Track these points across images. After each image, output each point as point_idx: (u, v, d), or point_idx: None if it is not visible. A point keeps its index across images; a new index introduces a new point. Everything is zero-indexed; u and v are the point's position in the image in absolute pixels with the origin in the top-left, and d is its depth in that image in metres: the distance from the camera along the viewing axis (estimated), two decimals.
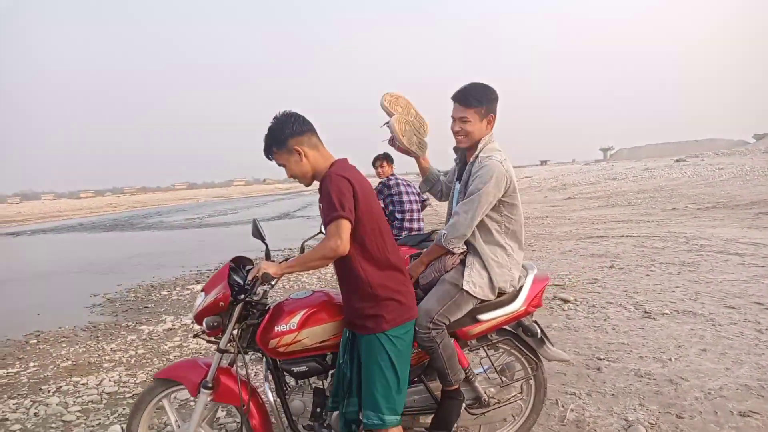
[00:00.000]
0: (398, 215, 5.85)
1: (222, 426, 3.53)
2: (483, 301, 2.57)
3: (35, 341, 6.58)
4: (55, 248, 19.87)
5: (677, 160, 40.58)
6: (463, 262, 2.58)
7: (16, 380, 5.14)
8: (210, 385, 2.51)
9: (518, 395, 2.80)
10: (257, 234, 2.65)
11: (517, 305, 2.62)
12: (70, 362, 5.52)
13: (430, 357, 2.50)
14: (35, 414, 4.13)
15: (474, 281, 2.52)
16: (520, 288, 2.64)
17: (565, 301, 5.94)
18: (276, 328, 2.44)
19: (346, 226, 2.11)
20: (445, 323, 2.48)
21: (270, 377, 2.58)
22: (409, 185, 5.96)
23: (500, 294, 2.60)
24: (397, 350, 2.26)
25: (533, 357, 2.75)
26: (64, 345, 6.32)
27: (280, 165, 2.36)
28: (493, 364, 2.76)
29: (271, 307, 2.56)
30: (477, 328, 2.61)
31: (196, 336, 2.70)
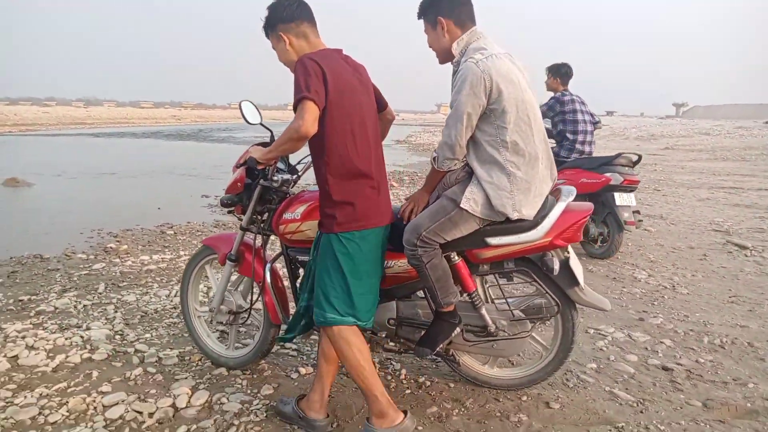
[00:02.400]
0: (569, 135, 5.39)
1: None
2: (491, 222, 2.29)
3: (171, 232, 6.59)
4: (147, 151, 20.21)
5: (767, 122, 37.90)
6: (469, 177, 2.30)
7: (176, 266, 5.15)
8: (234, 257, 2.77)
9: (527, 332, 2.51)
10: (251, 117, 2.68)
11: (536, 234, 2.28)
12: None
13: (418, 275, 2.33)
14: None
15: (475, 199, 2.23)
16: (544, 215, 2.28)
17: (743, 247, 5.48)
18: (284, 215, 2.56)
19: (309, 106, 1.97)
20: (437, 241, 2.26)
21: (284, 261, 2.74)
22: (583, 103, 5.46)
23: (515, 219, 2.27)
24: (348, 253, 2.16)
25: (554, 297, 2.44)
26: (202, 237, 6.32)
27: (273, 49, 2.33)
28: (503, 294, 2.52)
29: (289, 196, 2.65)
30: (488, 252, 2.35)
31: (230, 212, 2.88)
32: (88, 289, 4.41)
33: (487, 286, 2.64)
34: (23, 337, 3.42)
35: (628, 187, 4.94)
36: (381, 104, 2.45)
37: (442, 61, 2.39)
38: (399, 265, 2.43)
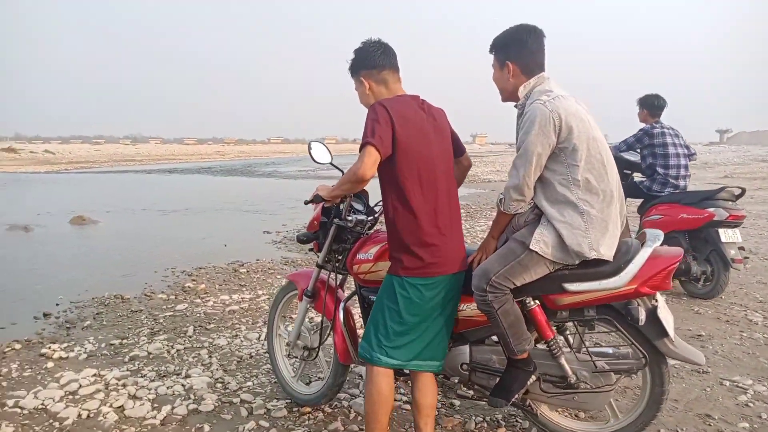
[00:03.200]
0: (660, 169, 5.12)
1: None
2: (564, 266, 2.18)
3: (244, 270, 6.55)
4: (200, 187, 20.64)
5: None
6: (538, 219, 2.22)
7: (258, 306, 5.06)
8: (310, 294, 2.83)
9: (612, 387, 2.32)
10: (320, 158, 2.80)
11: (619, 281, 2.12)
12: None
13: (489, 321, 2.24)
14: None
15: (546, 240, 2.14)
16: (628, 261, 2.12)
17: None
18: (358, 255, 2.58)
19: (370, 151, 2.04)
20: (507, 286, 2.17)
21: (357, 301, 2.75)
22: (677, 135, 5.20)
23: (595, 262, 2.14)
24: (408, 298, 2.17)
25: (641, 348, 2.24)
26: (277, 276, 6.24)
27: (355, 90, 2.41)
28: (583, 343, 2.40)
29: (363, 236, 2.67)
30: (566, 299, 2.23)
31: (311, 249, 2.98)
32: (177, 332, 4.34)
33: (570, 333, 2.49)
34: (124, 385, 3.34)
35: (733, 222, 4.64)
36: (458, 150, 2.45)
37: (505, 100, 2.38)
38: (471, 308, 2.36)
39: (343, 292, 2.88)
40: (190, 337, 4.24)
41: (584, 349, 2.40)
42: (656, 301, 2.24)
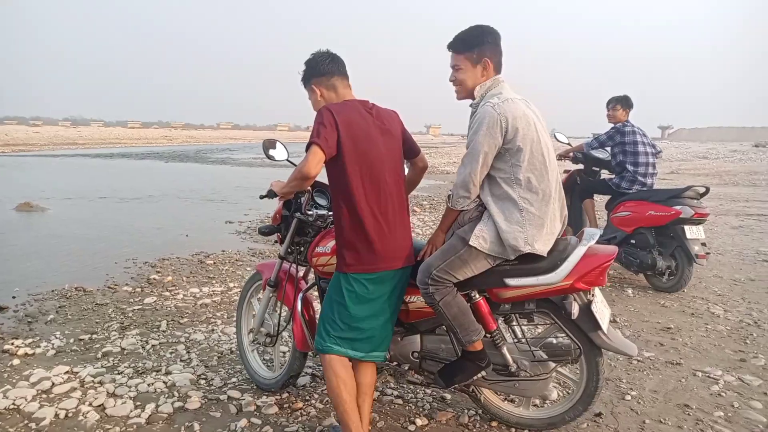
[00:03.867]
0: (630, 167, 5.30)
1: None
2: (505, 261, 2.32)
3: (211, 262, 6.37)
4: (151, 174, 19.86)
5: (756, 145, 38.58)
6: (480, 216, 2.34)
7: (230, 299, 4.94)
8: (272, 284, 2.94)
9: (548, 374, 2.49)
10: (277, 155, 2.92)
11: (556, 277, 2.28)
12: None
13: (435, 313, 2.38)
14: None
15: (485, 236, 2.27)
16: (564, 258, 2.28)
17: None
18: (317, 248, 2.66)
19: (314, 151, 2.17)
20: (448, 279, 2.30)
21: (317, 292, 2.84)
22: (644, 134, 5.39)
23: (534, 258, 2.29)
24: (354, 292, 2.29)
25: (575, 340, 2.42)
26: (246, 268, 6.11)
27: (308, 99, 2.51)
28: (524, 335, 2.54)
29: (324, 230, 2.76)
30: (508, 293, 2.37)
31: (275, 242, 3.03)
32: (149, 327, 4.19)
33: (516, 325, 2.60)
34: (101, 383, 3.21)
35: (698, 220, 4.85)
36: (412, 151, 2.55)
37: (463, 98, 2.43)
38: (420, 300, 2.45)
39: (306, 283, 2.97)
40: (164, 332, 4.10)
41: (524, 340, 2.53)
42: (592, 296, 2.38)
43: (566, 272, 2.27)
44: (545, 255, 2.28)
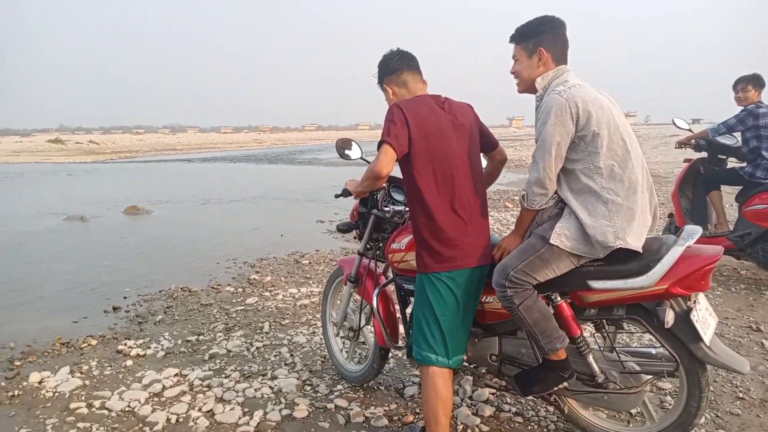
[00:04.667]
0: (766, 153, 4.69)
1: None
2: (590, 261, 2.11)
3: (306, 262, 6.38)
4: (245, 176, 20.68)
5: None
6: (561, 213, 2.14)
7: None
8: (353, 279, 2.96)
9: (641, 388, 2.22)
10: (352, 154, 2.92)
11: (647, 280, 2.00)
12: None
13: (514, 318, 2.17)
14: None
15: (567, 234, 2.07)
16: (657, 259, 2.00)
17: None
18: (392, 245, 2.61)
19: (385, 150, 2.13)
20: (527, 281, 2.10)
21: (394, 288, 2.81)
22: None
23: (622, 259, 2.05)
24: (438, 294, 2.20)
25: (672, 352, 2.12)
26: None
27: (385, 100, 2.46)
28: (612, 342, 2.27)
29: (400, 226, 2.70)
30: (593, 296, 2.14)
31: (355, 237, 3.08)
32: (252, 328, 4.18)
33: (603, 331, 2.34)
34: (209, 387, 3.19)
35: None
36: (490, 145, 2.48)
37: (523, 90, 2.31)
38: (497, 300, 2.26)
39: (386, 278, 2.91)
40: (266, 333, 4.07)
41: (613, 349, 2.28)
42: (693, 303, 2.09)
43: (660, 275, 2.00)
44: (640, 251, 2.05)
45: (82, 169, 24.01)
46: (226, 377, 3.31)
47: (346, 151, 2.93)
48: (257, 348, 3.78)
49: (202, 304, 4.84)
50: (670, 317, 2.03)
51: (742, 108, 4.86)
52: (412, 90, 2.39)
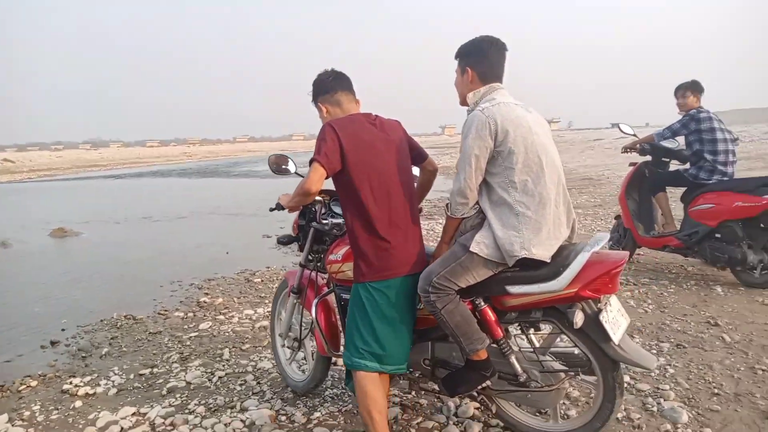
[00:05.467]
0: (708, 156, 4.89)
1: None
2: (507, 268, 2.25)
3: (258, 280, 6.10)
4: (177, 191, 19.87)
5: None
6: (482, 223, 2.30)
7: None
8: (296, 291, 3.01)
9: (560, 386, 2.37)
10: (280, 170, 2.97)
11: (558, 284, 2.17)
12: None
13: (437, 321, 2.31)
14: None
15: (485, 242, 2.23)
16: (567, 265, 2.17)
17: None
18: (330, 256, 2.70)
19: (315, 168, 2.23)
20: (449, 287, 2.24)
21: (334, 298, 2.84)
22: (720, 120, 4.98)
23: (535, 265, 2.21)
24: (374, 301, 2.30)
25: (586, 351, 2.28)
26: None
27: (319, 117, 2.56)
28: (531, 343, 2.46)
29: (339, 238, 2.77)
30: (512, 300, 2.30)
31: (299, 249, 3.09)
32: (211, 356, 3.91)
33: (523, 334, 2.52)
34: (173, 426, 2.92)
35: None
36: (419, 157, 2.60)
37: (462, 104, 2.47)
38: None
39: (328, 289, 2.93)
40: (227, 361, 3.81)
41: (535, 349, 2.43)
42: (604, 305, 2.24)
43: (568, 280, 2.16)
44: (547, 260, 2.20)
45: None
46: (190, 413, 3.05)
47: (283, 166, 2.98)
48: (219, 378, 3.52)
49: (150, 333, 4.50)
50: (579, 318, 2.17)
51: (685, 113, 5.07)
52: (346, 109, 2.49)
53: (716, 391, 3.00)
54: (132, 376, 3.62)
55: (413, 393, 3.07)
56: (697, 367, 3.31)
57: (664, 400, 2.90)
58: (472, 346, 2.28)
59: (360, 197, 2.27)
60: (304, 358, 3.36)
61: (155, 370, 3.71)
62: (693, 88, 5.05)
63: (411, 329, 2.44)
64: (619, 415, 2.75)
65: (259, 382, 3.43)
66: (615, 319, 2.27)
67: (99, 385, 3.50)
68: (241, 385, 3.41)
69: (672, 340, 3.72)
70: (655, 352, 3.54)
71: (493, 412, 2.57)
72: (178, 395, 3.30)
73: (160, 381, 3.53)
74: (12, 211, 14.77)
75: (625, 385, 3.04)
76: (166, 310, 5.12)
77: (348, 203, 2.33)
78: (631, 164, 5.68)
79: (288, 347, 3.24)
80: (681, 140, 5.38)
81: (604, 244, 2.26)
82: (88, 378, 3.61)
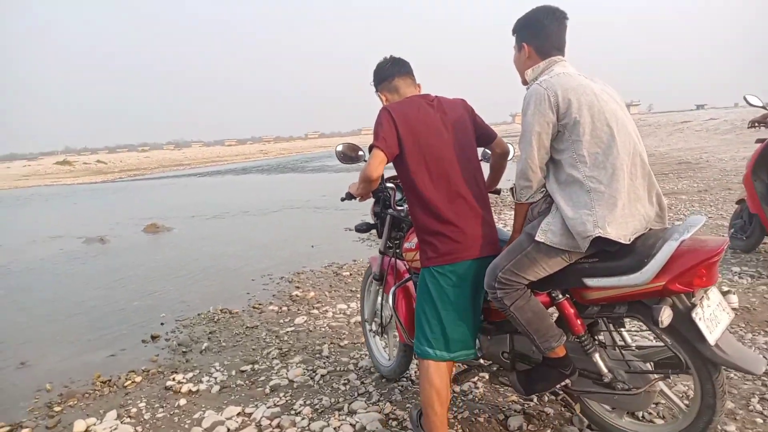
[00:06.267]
0: None
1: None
2: (584, 258, 2.02)
3: (347, 273, 5.97)
4: (258, 187, 20.42)
5: None
6: (549, 208, 2.08)
7: None
8: (378, 278, 3.00)
9: (649, 388, 2.12)
10: (348, 159, 2.88)
11: (641, 277, 1.90)
12: None
13: (508, 318, 2.13)
14: None
15: (553, 229, 2.00)
16: (652, 254, 1.88)
17: None
18: (405, 244, 2.64)
19: (375, 154, 2.19)
20: (517, 281, 2.05)
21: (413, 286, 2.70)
22: None
23: (615, 255, 1.96)
24: (440, 288, 2.21)
25: (678, 351, 2.02)
26: None
27: None
28: (614, 341, 2.23)
29: None
30: (593, 294, 2.07)
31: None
32: (310, 353, 3.77)
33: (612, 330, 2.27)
34: (280, 428, 2.78)
35: None
36: (487, 137, 2.49)
37: (523, 83, 2.26)
38: None
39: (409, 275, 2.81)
40: (327, 358, 3.66)
41: (616, 346, 2.23)
42: (700, 299, 1.97)
43: (654, 271, 1.89)
44: (626, 242, 1.94)
45: (92, 189, 23.77)
46: (296, 414, 2.91)
47: (352, 155, 2.90)
48: (322, 376, 3.37)
49: (247, 327, 4.44)
50: (665, 316, 1.91)
51: None
52: (403, 94, 2.43)
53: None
54: (234, 373, 3.55)
55: (535, 400, 2.78)
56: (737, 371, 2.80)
57: None
58: (546, 344, 2.12)
59: (417, 180, 2.21)
60: (394, 345, 3.19)
61: (256, 366, 3.62)
62: None
63: (479, 315, 2.34)
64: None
65: (363, 382, 3.24)
66: (713, 315, 2.00)
67: (201, 382, 3.44)
68: (344, 384, 3.24)
69: None
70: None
71: (577, 412, 2.41)
72: (281, 394, 3.17)
73: (263, 378, 3.42)
74: (108, 208, 15.59)
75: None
76: (260, 304, 5.07)
77: (408, 189, 2.28)
78: (758, 141, 5.05)
79: (374, 332, 3.25)
80: None
81: (699, 228, 1.96)
82: (190, 374, 3.57)
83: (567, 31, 2.18)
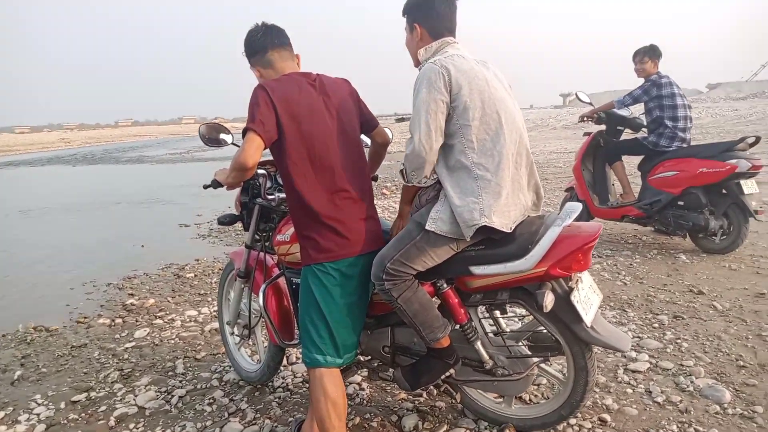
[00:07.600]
0: (668, 122, 4.85)
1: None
2: (470, 246, 2.05)
3: (191, 275, 5.34)
4: (65, 180, 17.76)
5: None
6: (437, 195, 2.10)
7: None
8: (243, 275, 2.77)
9: (528, 372, 2.22)
10: (213, 141, 2.63)
11: (526, 263, 1.98)
12: None
13: (394, 310, 2.11)
14: None
15: (442, 218, 2.00)
16: (535, 241, 1.99)
17: None
18: (277, 237, 2.47)
19: (250, 138, 1.93)
20: (405, 272, 2.01)
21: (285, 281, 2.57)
22: (678, 86, 4.96)
23: (500, 242, 2.02)
24: (324, 288, 2.05)
25: (555, 333, 2.15)
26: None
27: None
28: (498, 327, 2.35)
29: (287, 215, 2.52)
30: (477, 282, 2.12)
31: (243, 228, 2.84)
32: (160, 371, 3.24)
33: (490, 317, 2.38)
34: None
35: (753, 173, 4.48)
36: (368, 125, 2.31)
37: (415, 65, 2.20)
38: None
39: (279, 271, 2.62)
40: (183, 375, 3.17)
41: (499, 333, 2.30)
42: (575, 283, 2.08)
43: (538, 258, 1.95)
44: (507, 231, 1.98)
45: None
46: None
47: (216, 137, 2.63)
48: (180, 398, 2.89)
49: (73, 347, 3.70)
50: (548, 300, 1.98)
51: (646, 78, 5.00)
52: (279, 69, 2.17)
53: (740, 363, 2.87)
54: (63, 405, 2.88)
55: (425, 396, 2.67)
56: (706, 338, 3.19)
57: (696, 378, 2.72)
58: (432, 335, 2.08)
59: (297, 171, 2.02)
60: (264, 348, 2.92)
61: (92, 394, 2.99)
62: (651, 53, 4.99)
63: (363, 314, 2.22)
64: (660, 399, 2.56)
65: (232, 399, 2.85)
66: (587, 297, 2.12)
67: (18, 422, 2.74)
68: (210, 404, 2.81)
69: (666, 311, 3.60)
70: (657, 325, 3.39)
71: (458, 401, 2.41)
72: (131, 425, 2.65)
73: (103, 408, 2.83)
74: None
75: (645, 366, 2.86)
76: (86, 317, 4.29)
77: (286, 177, 2.07)
78: (586, 134, 5.58)
79: (237, 335, 2.96)
80: (633, 109, 5.35)
81: (576, 216, 2.04)
82: (2, 414, 2.82)
83: (456, 12, 2.14)
